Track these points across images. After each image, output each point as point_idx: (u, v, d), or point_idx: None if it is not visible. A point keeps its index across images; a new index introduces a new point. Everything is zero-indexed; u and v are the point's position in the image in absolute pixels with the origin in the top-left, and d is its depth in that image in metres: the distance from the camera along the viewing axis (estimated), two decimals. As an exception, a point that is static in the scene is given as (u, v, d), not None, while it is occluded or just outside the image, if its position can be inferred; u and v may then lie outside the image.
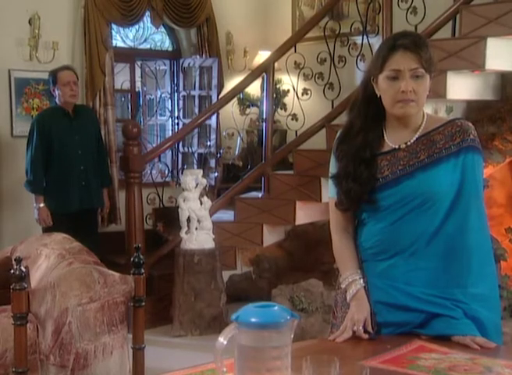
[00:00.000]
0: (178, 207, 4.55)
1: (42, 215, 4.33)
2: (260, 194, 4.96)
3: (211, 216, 4.58)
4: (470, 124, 1.85)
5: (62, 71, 4.39)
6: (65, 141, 4.35)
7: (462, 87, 4.06)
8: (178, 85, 6.42)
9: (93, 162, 4.49)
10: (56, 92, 4.37)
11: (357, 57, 4.92)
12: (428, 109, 3.91)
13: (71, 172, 4.37)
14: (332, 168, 1.96)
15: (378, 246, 1.85)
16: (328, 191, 1.98)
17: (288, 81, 5.27)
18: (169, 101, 6.48)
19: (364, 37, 4.85)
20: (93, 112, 4.89)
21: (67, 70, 4.41)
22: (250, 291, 5.03)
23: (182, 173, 5.35)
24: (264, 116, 5.05)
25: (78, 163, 4.39)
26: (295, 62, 5.32)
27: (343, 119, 2.04)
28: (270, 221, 4.79)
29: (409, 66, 1.77)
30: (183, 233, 4.52)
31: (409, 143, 1.84)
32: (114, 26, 5.71)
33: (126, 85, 6.16)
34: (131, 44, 6.24)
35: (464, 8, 4.08)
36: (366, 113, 1.89)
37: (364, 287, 1.86)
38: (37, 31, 5.08)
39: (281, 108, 6.08)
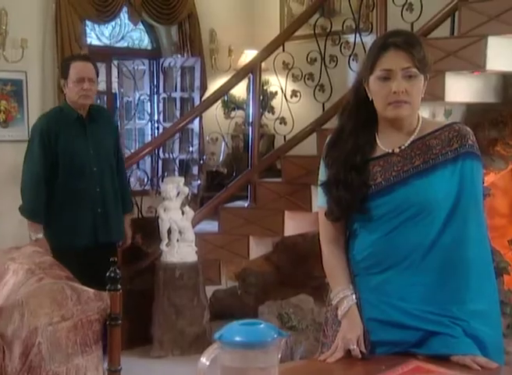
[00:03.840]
0: (158, 217, 4.54)
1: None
2: (246, 204, 4.96)
3: (193, 227, 4.58)
4: (468, 129, 1.86)
5: (75, 61, 3.68)
6: (76, 154, 3.66)
7: (461, 89, 4.09)
8: (158, 86, 6.42)
9: (112, 181, 3.79)
10: (66, 89, 3.69)
11: (350, 57, 4.95)
12: (425, 113, 3.99)
13: (84, 195, 3.68)
14: (322, 175, 1.97)
15: (370, 259, 1.86)
16: (318, 200, 1.98)
17: (276, 82, 5.29)
18: (148, 103, 6.48)
19: (357, 35, 4.87)
20: (111, 116, 4.07)
21: (83, 62, 3.69)
22: (235, 307, 5.01)
23: (162, 180, 5.35)
24: (251, 120, 5.06)
25: (93, 184, 3.70)
26: (283, 62, 5.33)
27: (334, 123, 2.05)
28: (257, 232, 4.79)
29: (400, 65, 1.78)
30: (163, 246, 4.51)
31: (403, 147, 1.86)
32: (88, 23, 5.72)
33: (102, 86, 6.15)
34: (107, 42, 6.24)
35: (464, 5, 4.11)
36: (357, 117, 1.90)
37: (357, 303, 1.86)
38: (4, 28, 5.07)
39: (268, 112, 6.09)
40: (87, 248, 3.67)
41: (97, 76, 3.73)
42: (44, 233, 3.66)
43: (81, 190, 3.67)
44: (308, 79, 5.23)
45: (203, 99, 5.85)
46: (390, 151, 1.87)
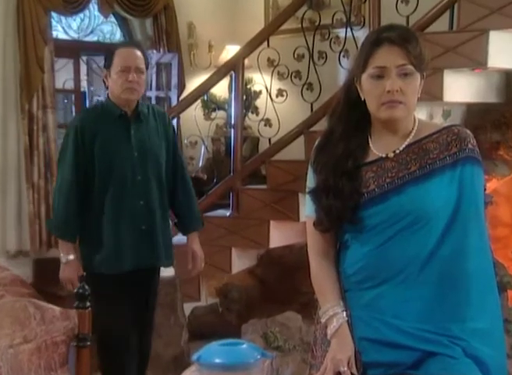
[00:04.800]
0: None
1: (68, 273, 3.27)
2: (228, 213, 4.96)
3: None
4: (468, 132, 1.87)
5: (120, 48, 3.33)
6: (116, 158, 3.28)
7: (461, 88, 4.12)
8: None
9: (160, 194, 3.39)
10: (109, 80, 3.32)
11: (340, 53, 4.97)
12: (422, 114, 4.03)
13: (124, 208, 3.29)
14: (310, 182, 1.97)
15: (362, 273, 1.86)
16: (305, 209, 1.99)
17: (260, 81, 5.30)
18: (121, 103, 6.46)
19: (348, 29, 4.90)
20: (167, 115, 3.59)
21: (129, 48, 3.33)
22: (216, 326, 5.00)
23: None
24: (233, 122, 5.06)
25: (136, 195, 3.30)
26: (268, 59, 5.34)
27: (323, 125, 2.06)
28: (240, 244, 4.79)
29: (395, 62, 1.80)
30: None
31: (397, 151, 1.87)
32: (54, 15, 5.68)
33: (70, 84, 6.13)
34: (75, 35, 6.22)
35: (463, -3, 4.15)
36: (348, 119, 1.92)
37: (347, 321, 1.87)
38: (-41, 21, 5.04)
39: (252, 113, 6.10)
40: (127, 274, 3.29)
41: (147, 67, 3.36)
42: (76, 254, 3.32)
43: (121, 202, 3.27)
44: (295, 77, 5.24)
45: (180, 99, 5.85)
46: (384, 155, 1.88)
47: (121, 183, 3.27)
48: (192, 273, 3.61)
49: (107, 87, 3.37)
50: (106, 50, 3.44)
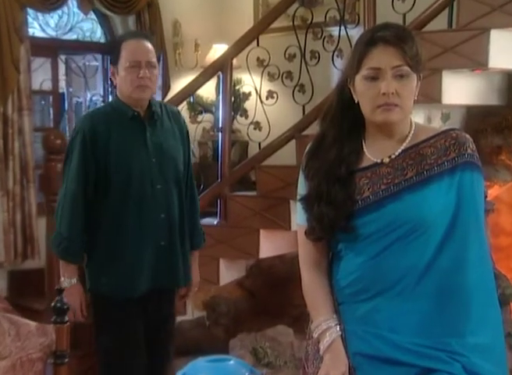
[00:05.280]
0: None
1: (71, 300, 2.93)
2: (215, 221, 4.95)
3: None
4: (467, 136, 1.89)
5: (127, 40, 3.11)
6: (135, 166, 3.07)
7: (460, 90, 4.13)
8: (113, 86, 6.40)
9: (179, 204, 3.18)
10: (117, 78, 3.12)
11: (334, 52, 4.98)
12: (420, 117, 4.04)
13: (144, 223, 3.07)
14: (301, 189, 1.98)
15: (357, 285, 1.87)
16: (297, 217, 1.99)
17: (249, 82, 5.30)
18: (102, 105, 6.45)
19: (342, 28, 4.91)
20: (181, 114, 3.40)
21: (137, 39, 3.10)
22: (202, 341, 4.99)
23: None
24: (221, 125, 5.06)
25: (157, 207, 3.10)
26: (258, 59, 5.35)
27: (316, 128, 2.07)
28: (228, 254, 4.78)
29: (390, 63, 1.81)
30: (118, 271, 4.47)
31: (393, 156, 1.88)
32: (30, 12, 5.68)
33: (47, 85, 6.12)
34: (53, 33, 6.21)
35: (463, -6, 4.18)
36: (341, 122, 1.93)
37: (341, 335, 1.87)
38: None
39: (241, 115, 6.10)
40: (142, 296, 3.09)
41: (159, 60, 3.17)
42: (78, 277, 3.08)
43: (141, 216, 3.06)
44: (286, 78, 5.24)
45: (165, 101, 5.85)
46: (379, 161, 1.89)
47: (140, 195, 3.05)
48: (186, 294, 3.40)
49: (115, 86, 3.20)
50: (111, 43, 3.27)
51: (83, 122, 3.15)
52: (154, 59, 3.09)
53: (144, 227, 3.06)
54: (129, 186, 3.04)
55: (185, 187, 3.24)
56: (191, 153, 3.39)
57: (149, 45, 3.08)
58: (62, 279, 3.06)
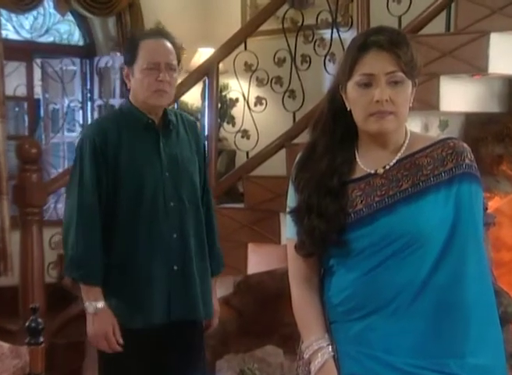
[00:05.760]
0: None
1: (100, 326, 2.86)
2: (200, 235, 4.95)
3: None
4: (465, 145, 1.90)
5: (146, 39, 2.98)
6: (147, 180, 2.93)
7: (459, 96, 4.15)
8: (92, 91, 6.40)
9: (196, 224, 3.04)
10: (131, 80, 2.99)
11: (325, 57, 4.99)
12: (416, 124, 4.06)
13: (155, 243, 2.94)
14: (291, 201, 1.99)
15: (349, 302, 1.87)
16: (286, 231, 2.00)
17: (237, 87, 5.31)
18: (80, 112, 6.46)
19: (334, 31, 4.92)
20: (197, 124, 3.28)
21: (157, 39, 2.98)
22: (187, 363, 4.98)
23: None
24: (206, 133, 5.06)
25: (169, 226, 2.95)
26: (245, 63, 5.36)
27: (307, 137, 2.08)
28: (214, 270, 4.77)
29: (384, 69, 1.82)
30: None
31: (388, 167, 1.89)
32: (3, 13, 5.68)
33: (22, 91, 6.12)
34: (27, 36, 6.21)
35: (461, -5, 4.20)
36: (333, 131, 1.94)
37: (333, 356, 1.88)
38: None
39: (228, 123, 6.11)
40: (156, 328, 2.92)
41: (179, 62, 3.02)
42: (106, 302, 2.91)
43: (151, 236, 2.92)
44: (276, 83, 5.25)
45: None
46: (373, 171, 1.90)
47: (151, 212, 2.91)
48: (208, 328, 3.19)
49: (128, 90, 3.05)
50: (128, 42, 3.09)
51: (90, 129, 3.02)
52: (175, 62, 2.96)
53: (154, 249, 2.91)
54: (140, 202, 2.90)
55: (201, 205, 3.08)
56: (207, 167, 3.23)
57: (170, 45, 2.96)
58: (87, 304, 2.87)
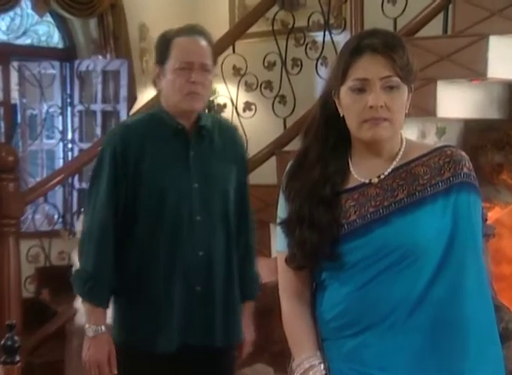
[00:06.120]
0: (72, 266, 4.50)
1: (96, 352, 2.79)
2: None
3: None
4: (463, 154, 1.90)
5: (180, 36, 2.87)
6: (170, 192, 2.80)
7: (457, 102, 4.15)
8: (72, 96, 6.41)
9: (226, 241, 2.89)
10: (162, 81, 2.90)
11: (317, 60, 5.01)
12: (413, 131, 4.07)
13: (177, 261, 2.80)
14: (281, 211, 1.99)
15: (343, 318, 1.87)
16: (276, 243, 2.00)
17: (225, 92, 5.31)
18: (60, 118, 6.46)
19: (327, 33, 4.94)
20: (237, 131, 3.15)
21: (191, 37, 2.86)
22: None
23: (78, 218, 5.30)
24: (193, 140, 5.07)
25: (194, 242, 2.82)
26: (234, 67, 5.36)
27: (298, 144, 2.08)
28: (200, 285, 4.76)
29: (379, 73, 1.83)
30: (78, 303, 4.46)
31: (382, 176, 1.90)
32: (-20, 14, 5.69)
33: (-2, 95, 6.12)
34: (4, 37, 6.22)
35: (459, -4, 4.21)
36: (326, 138, 1.94)
37: (326, 374, 1.87)
38: None
39: (215, 129, 6.12)
40: (171, 352, 2.79)
41: (215, 62, 2.95)
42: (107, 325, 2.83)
43: (173, 252, 2.79)
44: (265, 88, 5.26)
45: (131, 113, 5.85)
46: (367, 181, 1.90)
47: (174, 226, 2.79)
48: (240, 355, 3.07)
49: (159, 91, 3.00)
50: (160, 40, 2.93)
51: (113, 134, 2.92)
52: (210, 62, 2.86)
53: (176, 267, 2.78)
54: (162, 215, 2.78)
55: (237, 223, 2.94)
56: (248, 180, 3.07)
57: (205, 44, 2.86)
58: (87, 326, 2.79)
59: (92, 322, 2.78)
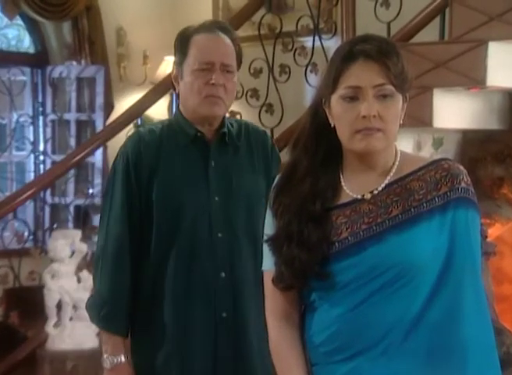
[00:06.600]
0: (43, 287, 4.48)
1: None
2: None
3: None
4: (460, 167, 1.91)
5: (199, 33, 2.72)
6: (187, 206, 2.67)
7: (455, 112, 4.16)
8: (44, 105, 6.40)
9: (254, 262, 2.59)
10: (180, 84, 2.75)
11: (307, 67, 5.02)
12: (408, 142, 4.08)
13: (195, 283, 2.65)
14: (268, 228, 1.99)
15: (333, 342, 1.87)
16: (263, 262, 2.01)
17: (208, 100, 5.33)
18: (31, 128, 6.44)
19: (316, 38, 4.95)
20: (268, 137, 2.96)
21: (213, 34, 2.72)
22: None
23: (50, 235, 5.28)
24: (174, 151, 5.07)
25: (215, 263, 2.66)
26: (218, 73, 5.39)
27: (286, 156, 2.09)
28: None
29: (372, 81, 1.84)
30: (49, 327, 4.45)
31: (376, 192, 1.90)
32: None
33: (-35, 104, 6.10)
34: (-29, 42, 6.21)
35: (456, 0, 4.20)
36: (316, 150, 1.94)
37: (315, 404, 1.88)
38: None
39: (198, 140, 6.12)
40: None
41: (240, 64, 2.78)
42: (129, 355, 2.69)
43: (190, 273, 2.64)
44: (251, 96, 5.27)
45: (108, 123, 5.85)
46: (359, 197, 1.91)
47: (192, 244, 2.64)
48: None
49: (178, 95, 2.83)
50: (179, 37, 2.76)
51: (128, 142, 2.76)
52: (234, 62, 2.71)
53: (195, 291, 2.62)
54: (177, 232, 2.63)
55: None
56: None
57: (228, 42, 2.71)
58: (104, 358, 2.64)
59: (109, 352, 2.63)
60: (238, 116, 5.24)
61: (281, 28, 5.12)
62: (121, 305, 2.64)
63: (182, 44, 2.71)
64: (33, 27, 6.37)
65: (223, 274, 2.63)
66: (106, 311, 2.62)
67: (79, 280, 4.49)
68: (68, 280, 4.45)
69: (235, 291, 2.64)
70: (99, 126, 6.14)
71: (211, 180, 2.68)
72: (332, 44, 4.93)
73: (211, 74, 2.62)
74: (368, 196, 1.90)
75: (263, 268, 2.01)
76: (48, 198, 6.20)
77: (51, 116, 6.37)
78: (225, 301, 2.63)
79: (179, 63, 2.70)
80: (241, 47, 2.77)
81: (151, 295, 2.65)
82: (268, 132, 4.90)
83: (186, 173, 2.69)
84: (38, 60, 6.45)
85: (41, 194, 5.86)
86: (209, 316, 2.61)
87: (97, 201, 6.07)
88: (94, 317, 2.70)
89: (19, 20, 6.29)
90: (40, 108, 6.42)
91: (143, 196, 2.65)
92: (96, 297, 2.70)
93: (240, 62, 2.75)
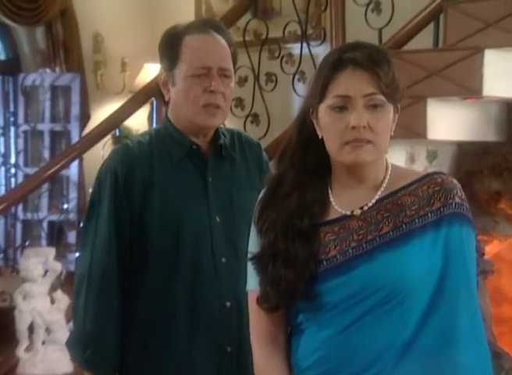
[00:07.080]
0: (14, 308, 4.47)
1: None
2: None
3: (68, 322, 4.51)
4: (454, 181, 1.92)
5: (192, 34, 2.58)
6: (186, 229, 2.54)
7: (450, 123, 4.17)
8: (16, 115, 6.39)
9: None
10: (171, 91, 2.61)
11: (294, 75, 5.04)
12: (400, 155, 4.09)
13: (197, 315, 2.53)
14: (253, 246, 2.00)
15: (321, 366, 1.87)
16: (247, 281, 2.01)
17: (189, 110, 5.33)
18: (1, 139, 6.43)
19: (304, 45, 4.97)
20: (261, 147, 2.86)
21: (207, 35, 2.58)
22: None
23: (22, 253, 5.27)
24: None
25: (218, 291, 2.54)
26: (200, 82, 5.40)
27: (273, 169, 2.10)
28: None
29: (361, 90, 1.84)
30: (20, 351, 4.43)
31: (366, 208, 1.90)
32: None
33: None
34: None
35: (451, 6, 4.22)
36: (303, 163, 1.95)
37: None
38: None
39: (179, 152, 6.12)
40: None
41: (235, 66, 2.65)
42: None
43: (190, 303, 2.51)
44: (236, 106, 5.28)
45: (84, 134, 5.85)
46: (348, 213, 1.91)
47: (193, 272, 2.52)
48: None
49: (167, 103, 2.72)
50: (168, 38, 2.62)
51: (114, 157, 2.62)
52: (231, 66, 2.59)
53: (197, 324, 2.51)
54: (176, 258, 2.51)
55: None
56: None
57: (224, 43, 2.58)
58: None
59: None
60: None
61: (267, 34, 5.14)
62: (109, 347, 2.49)
63: (171, 46, 2.57)
64: (4, 33, 6.37)
65: (228, 304, 2.52)
66: (91, 352, 2.48)
67: (52, 301, 4.47)
68: (41, 300, 4.43)
69: (239, 322, 2.49)
70: (75, 138, 6.13)
71: (210, 198, 2.57)
72: (321, 51, 4.94)
73: (208, 80, 2.50)
74: (357, 212, 1.90)
75: (247, 288, 2.01)
76: (20, 214, 6.18)
77: (24, 127, 6.36)
78: (229, 335, 2.52)
79: (169, 68, 2.56)
80: (236, 48, 2.66)
81: (149, 328, 2.53)
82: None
83: (182, 190, 2.56)
84: (10, 67, 6.45)
85: (12, 210, 5.85)
86: (213, 352, 2.51)
87: (73, 216, 6.07)
88: (76, 358, 2.58)
89: (-11, 25, 6.30)
90: (12, 118, 6.41)
91: (135, 217, 2.50)
92: (79, 335, 2.55)
93: (235, 65, 2.63)
